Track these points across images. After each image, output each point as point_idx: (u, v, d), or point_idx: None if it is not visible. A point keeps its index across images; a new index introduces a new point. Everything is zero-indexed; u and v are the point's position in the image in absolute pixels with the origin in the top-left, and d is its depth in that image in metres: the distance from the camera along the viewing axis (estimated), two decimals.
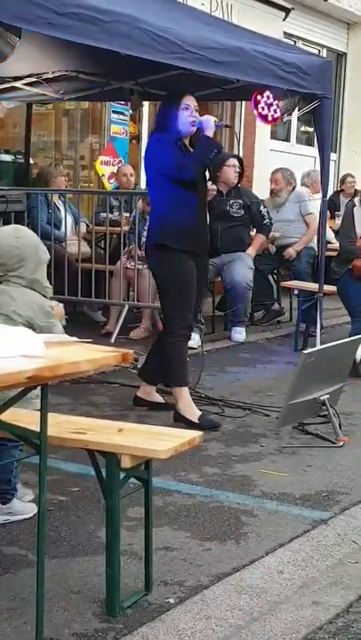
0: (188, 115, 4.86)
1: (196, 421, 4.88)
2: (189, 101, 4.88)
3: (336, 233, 9.28)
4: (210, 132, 4.91)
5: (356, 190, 11.86)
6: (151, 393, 5.28)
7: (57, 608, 2.80)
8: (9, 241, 3.43)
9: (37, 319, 3.36)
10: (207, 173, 5.12)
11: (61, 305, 3.81)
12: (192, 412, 4.97)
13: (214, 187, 5.28)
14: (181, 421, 4.90)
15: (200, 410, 5.11)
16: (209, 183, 5.21)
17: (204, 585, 3.02)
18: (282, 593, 2.99)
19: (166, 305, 5.07)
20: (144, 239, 6.18)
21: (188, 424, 4.81)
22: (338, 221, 10.33)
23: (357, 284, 6.76)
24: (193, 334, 7.09)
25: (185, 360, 5.06)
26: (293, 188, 8.66)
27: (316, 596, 2.97)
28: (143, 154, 5.25)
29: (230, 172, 7.77)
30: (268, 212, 8.20)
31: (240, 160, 8.13)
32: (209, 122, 4.92)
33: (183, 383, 5.00)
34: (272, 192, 8.58)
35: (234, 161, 7.88)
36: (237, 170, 7.83)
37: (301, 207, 8.53)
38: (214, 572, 3.13)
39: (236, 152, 10.67)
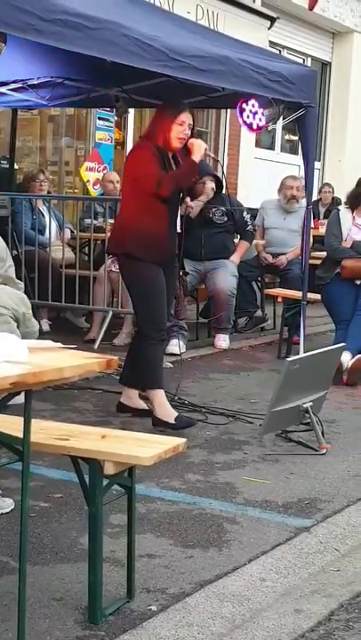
0: (182, 131, 4.90)
1: (173, 422, 4.92)
2: (186, 118, 4.92)
3: (319, 242, 9.33)
4: (197, 157, 4.95)
5: (334, 198, 11.99)
6: (134, 398, 5.28)
7: (39, 615, 2.78)
8: None
9: (20, 309, 3.76)
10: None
11: None
12: (168, 413, 4.99)
13: (192, 204, 5.31)
14: (160, 425, 4.92)
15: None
16: (187, 199, 5.24)
17: (187, 592, 3.02)
18: (264, 600, 2.99)
19: (140, 310, 5.10)
20: None
21: (166, 426, 4.86)
22: (322, 230, 10.40)
23: (343, 290, 6.79)
24: (176, 340, 7.14)
25: (159, 363, 5.09)
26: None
27: (298, 604, 2.97)
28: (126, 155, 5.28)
29: (208, 189, 7.72)
30: (251, 219, 8.22)
31: (216, 177, 8.05)
32: (200, 148, 4.96)
33: (157, 386, 5.03)
34: (292, 197, 8.50)
35: (208, 179, 7.80)
36: (212, 189, 7.78)
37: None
38: (197, 580, 3.13)
39: (220, 160, 10.70)
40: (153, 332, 5.01)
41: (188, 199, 5.26)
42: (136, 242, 4.93)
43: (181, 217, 5.23)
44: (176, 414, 5.03)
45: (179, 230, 5.22)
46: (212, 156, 5.26)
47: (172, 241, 5.13)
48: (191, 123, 4.99)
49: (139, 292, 5.05)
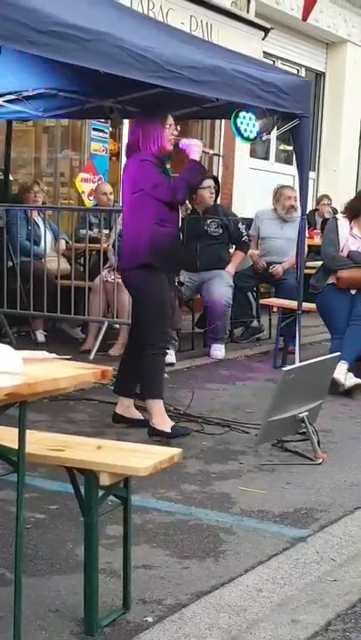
0: (171, 132, 5.00)
1: (168, 430, 4.95)
2: (171, 120, 5.03)
3: (314, 252, 9.35)
4: (196, 156, 5.04)
5: (333, 208, 12.02)
6: (129, 408, 5.28)
7: (34, 627, 2.77)
8: None
9: None
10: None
11: None
12: (164, 422, 5.01)
13: (189, 205, 5.36)
14: (156, 434, 4.93)
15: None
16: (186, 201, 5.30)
17: (183, 603, 3.01)
18: (261, 611, 2.98)
19: (147, 320, 5.09)
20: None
21: (162, 435, 4.90)
22: (317, 239, 10.43)
23: (338, 300, 6.78)
24: (169, 350, 7.14)
25: (161, 373, 5.12)
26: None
27: (295, 614, 2.96)
28: (123, 171, 5.28)
29: (206, 194, 7.81)
30: (246, 229, 8.23)
31: (215, 179, 8.16)
32: (196, 146, 5.05)
33: (157, 396, 5.05)
34: (291, 207, 8.48)
35: (209, 182, 7.90)
36: (212, 190, 7.87)
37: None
38: (193, 591, 3.12)
39: (215, 171, 10.74)
40: (158, 342, 5.03)
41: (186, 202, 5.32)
42: (155, 252, 4.95)
43: (182, 219, 5.28)
44: (172, 423, 5.05)
45: None
46: (211, 152, 5.34)
47: (181, 248, 5.25)
48: (174, 125, 5.11)
49: (151, 303, 5.04)
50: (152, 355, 5.03)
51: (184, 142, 5.10)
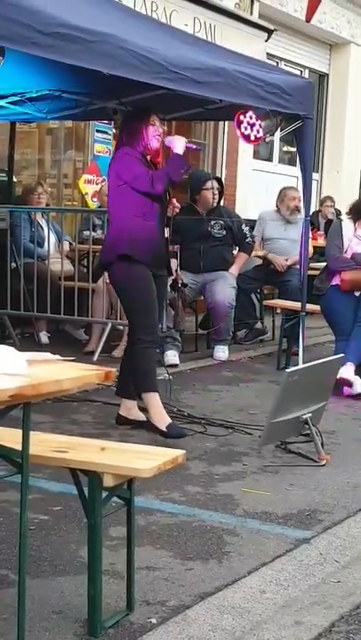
0: (156, 129, 5.08)
1: (164, 429, 4.96)
2: (156, 118, 5.11)
3: (318, 253, 9.35)
4: (180, 150, 5.10)
5: (336, 209, 12.01)
6: (132, 409, 5.28)
7: (38, 628, 2.77)
8: None
9: None
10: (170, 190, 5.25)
11: None
12: (161, 419, 5.02)
13: (178, 204, 5.37)
14: (152, 431, 4.97)
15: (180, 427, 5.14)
16: (174, 200, 5.32)
17: (187, 605, 3.01)
18: (264, 613, 2.98)
19: (134, 315, 5.12)
20: None
21: (157, 432, 4.93)
22: (320, 241, 10.44)
23: (343, 301, 6.78)
24: (172, 351, 7.15)
25: (153, 367, 5.12)
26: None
27: (299, 616, 2.96)
28: (108, 167, 5.33)
29: (209, 195, 7.82)
30: (249, 230, 8.24)
31: (219, 180, 8.16)
32: (180, 141, 5.12)
33: (151, 389, 5.05)
34: (295, 208, 8.51)
35: (212, 183, 7.91)
36: (216, 192, 7.88)
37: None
38: (197, 592, 3.12)
39: (218, 172, 10.73)
40: (145, 336, 5.03)
41: (174, 200, 5.32)
42: (130, 242, 4.99)
43: (169, 218, 5.29)
44: (169, 421, 5.04)
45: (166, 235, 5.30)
46: (194, 147, 5.40)
47: (162, 242, 5.22)
48: (160, 123, 5.19)
49: (132, 296, 5.08)
50: (141, 349, 5.04)
51: (169, 139, 5.18)
